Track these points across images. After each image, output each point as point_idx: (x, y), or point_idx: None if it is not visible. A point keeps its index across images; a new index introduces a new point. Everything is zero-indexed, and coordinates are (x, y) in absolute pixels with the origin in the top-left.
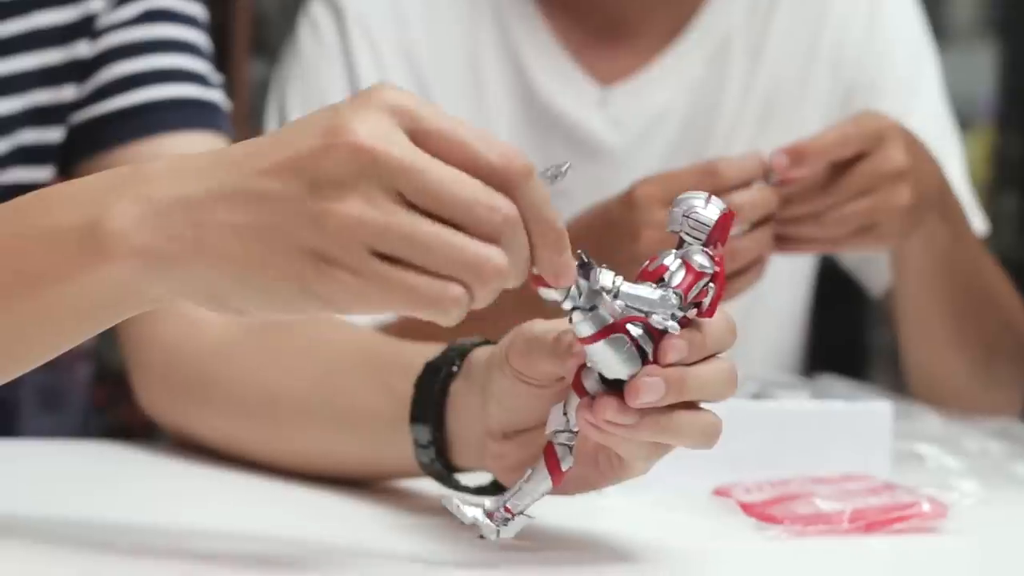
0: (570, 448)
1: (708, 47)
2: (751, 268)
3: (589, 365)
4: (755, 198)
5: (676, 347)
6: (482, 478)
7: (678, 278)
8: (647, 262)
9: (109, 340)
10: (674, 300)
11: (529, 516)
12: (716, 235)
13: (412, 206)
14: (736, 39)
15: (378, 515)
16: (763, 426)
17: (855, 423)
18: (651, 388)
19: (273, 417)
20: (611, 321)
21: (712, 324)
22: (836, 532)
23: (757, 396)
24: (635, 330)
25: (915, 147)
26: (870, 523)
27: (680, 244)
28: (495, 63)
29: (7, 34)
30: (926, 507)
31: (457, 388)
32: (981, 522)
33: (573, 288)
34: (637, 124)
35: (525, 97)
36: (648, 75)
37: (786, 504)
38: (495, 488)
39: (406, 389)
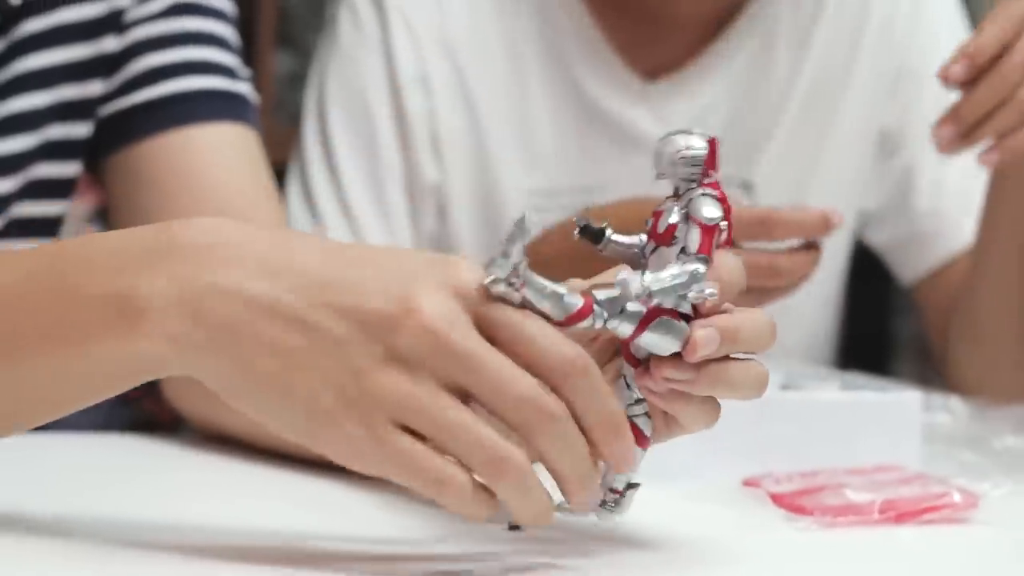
0: (647, 415)
1: (753, 41)
2: (791, 286)
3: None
4: (799, 263)
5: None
6: None
7: (694, 242)
8: (651, 221)
9: None
10: (702, 269)
11: (635, 484)
12: (708, 166)
13: (458, 390)
14: (781, 32)
15: (402, 506)
16: (792, 417)
17: (885, 414)
18: (708, 340)
19: None
20: (644, 310)
21: (723, 259)
22: (866, 523)
23: (786, 387)
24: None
25: None
26: (900, 514)
27: (675, 191)
28: (537, 57)
29: (34, 30)
30: (957, 498)
31: None
32: (1012, 513)
33: (596, 307)
34: (681, 119)
35: (568, 92)
36: (692, 70)
37: (816, 495)
38: None
39: None
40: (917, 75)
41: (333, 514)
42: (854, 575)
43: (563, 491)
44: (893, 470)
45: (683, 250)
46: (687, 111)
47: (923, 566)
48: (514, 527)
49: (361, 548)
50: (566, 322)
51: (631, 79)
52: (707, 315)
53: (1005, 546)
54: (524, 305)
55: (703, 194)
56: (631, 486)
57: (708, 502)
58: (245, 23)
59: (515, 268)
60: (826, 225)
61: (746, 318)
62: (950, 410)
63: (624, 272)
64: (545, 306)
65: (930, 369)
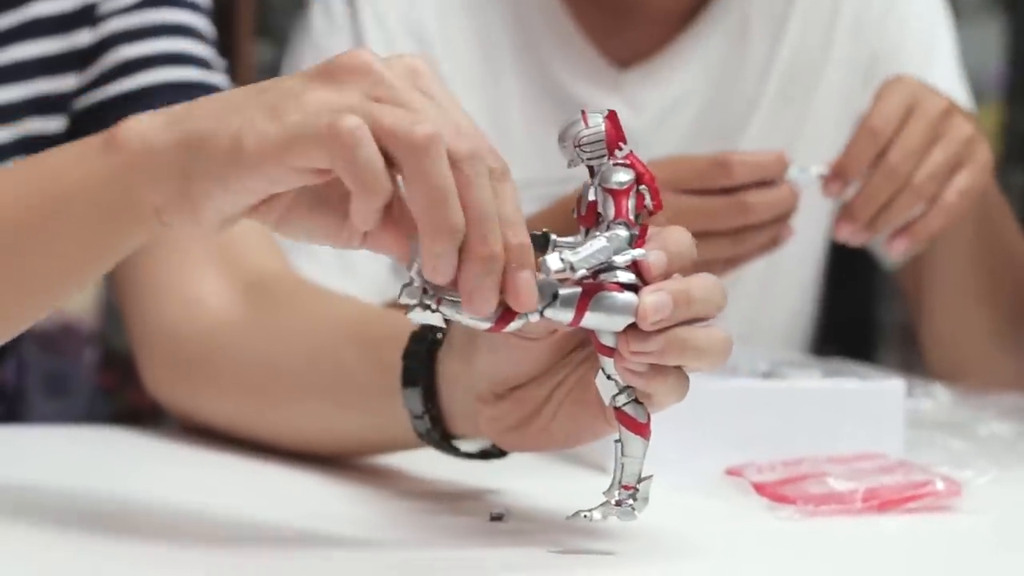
0: (637, 401)
1: (727, 27)
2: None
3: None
4: (772, 199)
5: (655, 261)
6: (483, 443)
7: (609, 209)
8: (575, 207)
9: (115, 324)
10: (623, 233)
11: (647, 476)
12: (613, 139)
13: None
14: (755, 19)
15: (385, 498)
16: (775, 405)
17: (868, 402)
18: (660, 304)
19: (272, 394)
20: (578, 291)
21: (670, 231)
22: (849, 512)
23: (768, 375)
24: (625, 276)
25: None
26: (884, 502)
27: (591, 172)
28: (509, 46)
29: (7, 25)
30: (940, 486)
31: (443, 355)
32: (995, 501)
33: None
34: (654, 107)
35: (539, 80)
36: (666, 57)
37: (799, 484)
38: (496, 451)
39: (395, 360)
40: (891, 61)
41: (312, 504)
42: (837, 564)
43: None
44: (876, 458)
45: (599, 216)
46: (661, 99)
47: (906, 555)
48: (496, 518)
49: (341, 537)
50: (497, 327)
51: (604, 68)
52: (652, 280)
53: (988, 534)
54: (448, 322)
55: (612, 164)
56: (644, 479)
57: (691, 492)
58: (225, 13)
59: (424, 289)
60: (782, 163)
61: (695, 280)
62: (934, 397)
63: (551, 256)
64: (466, 318)
65: (914, 356)
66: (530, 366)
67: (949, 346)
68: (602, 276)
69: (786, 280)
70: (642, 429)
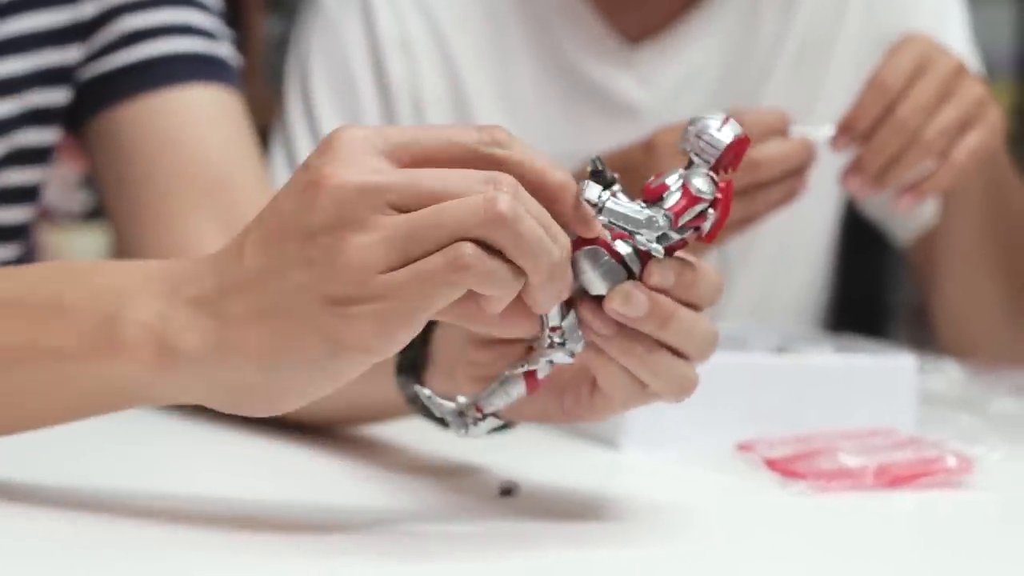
0: (551, 361)
1: (738, 2)
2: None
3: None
4: (781, 151)
5: (661, 269)
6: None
7: (672, 200)
8: (652, 177)
9: None
10: (662, 222)
11: (499, 419)
12: (727, 159)
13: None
14: None
15: (395, 472)
16: (787, 381)
17: (879, 378)
18: (631, 300)
19: None
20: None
21: (705, 272)
22: (861, 487)
23: (780, 350)
24: (623, 248)
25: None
26: (895, 478)
27: (689, 164)
28: (519, 22)
29: None
30: (951, 462)
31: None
32: (1007, 477)
33: None
34: (667, 83)
35: (551, 58)
36: (678, 32)
37: (810, 459)
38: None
39: None
40: (904, 32)
41: (320, 478)
42: (848, 539)
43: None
44: (887, 434)
45: (662, 199)
46: (672, 75)
47: (918, 530)
48: (506, 492)
49: (350, 511)
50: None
51: (615, 44)
52: (649, 286)
53: (1000, 510)
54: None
55: (706, 172)
56: (494, 416)
57: (702, 467)
58: None
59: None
60: (783, 119)
61: (689, 314)
62: (945, 373)
63: (593, 185)
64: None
65: (925, 335)
66: (526, 323)
67: (960, 321)
68: (617, 242)
69: (798, 255)
70: (532, 381)
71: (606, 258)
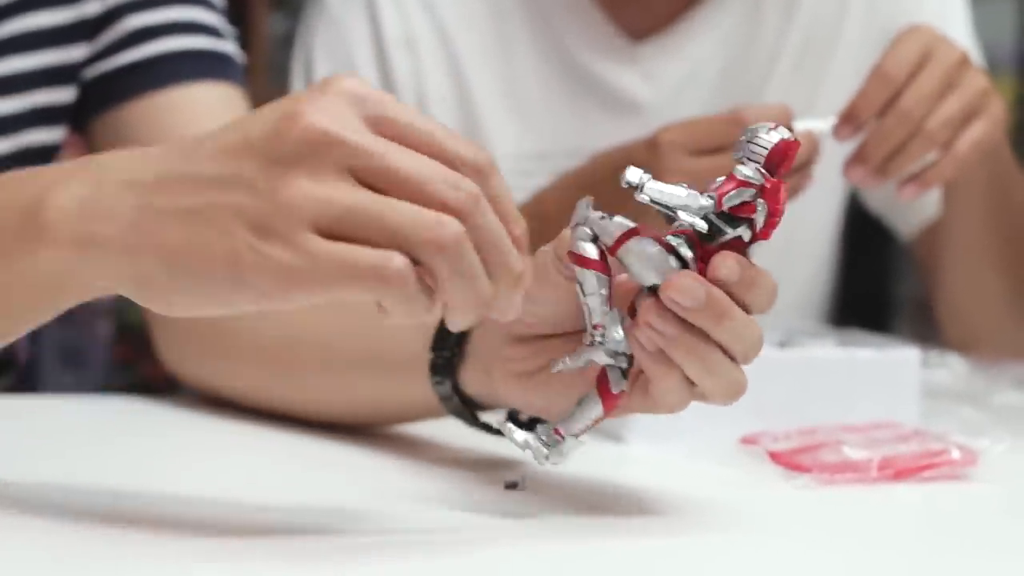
0: (623, 372)
1: None
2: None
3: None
4: None
5: (726, 262)
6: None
7: (717, 182)
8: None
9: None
10: (704, 201)
11: (580, 440)
12: (776, 160)
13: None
14: None
15: (401, 465)
16: (791, 374)
17: (883, 371)
18: (688, 289)
19: (294, 362)
20: (618, 233)
21: (765, 276)
22: (865, 480)
23: (784, 344)
24: (673, 240)
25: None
26: (899, 471)
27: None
28: (522, 19)
29: None
30: (955, 454)
31: None
32: (1011, 469)
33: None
34: (670, 79)
35: (555, 55)
36: (681, 29)
37: (814, 452)
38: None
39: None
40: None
41: (327, 471)
42: (852, 532)
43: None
44: (891, 427)
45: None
46: (676, 71)
47: (922, 523)
48: (510, 485)
49: (356, 503)
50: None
51: (618, 40)
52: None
53: (1004, 502)
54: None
55: (756, 166)
56: (575, 435)
57: (706, 460)
58: None
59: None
60: (787, 113)
61: (742, 315)
62: (949, 367)
63: (634, 168)
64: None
65: (930, 330)
66: (564, 318)
67: (964, 315)
68: (668, 237)
69: (801, 250)
70: (609, 398)
71: (655, 248)
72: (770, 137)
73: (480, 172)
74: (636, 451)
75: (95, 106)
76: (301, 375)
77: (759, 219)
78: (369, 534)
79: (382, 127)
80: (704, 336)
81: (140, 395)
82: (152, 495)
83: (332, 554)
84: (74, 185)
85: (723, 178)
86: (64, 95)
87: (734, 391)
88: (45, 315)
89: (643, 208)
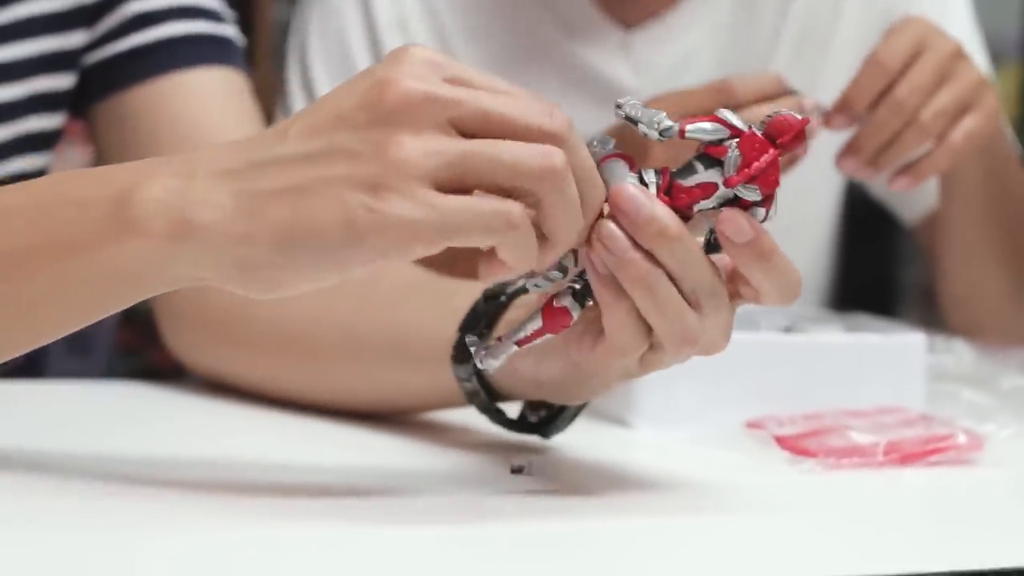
0: (574, 293)
1: None
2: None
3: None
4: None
5: (738, 221)
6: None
7: (731, 116)
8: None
9: None
10: (667, 123)
11: (511, 349)
12: (775, 129)
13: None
14: None
15: (409, 448)
16: (796, 359)
17: (889, 355)
18: (741, 224)
19: (315, 349)
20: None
21: (786, 263)
22: (871, 465)
23: (789, 330)
24: (646, 170)
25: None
26: (905, 455)
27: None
28: (514, 5)
29: None
30: (962, 439)
31: (522, 300)
32: (1017, 454)
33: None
34: (662, 69)
35: (544, 41)
36: (673, 18)
37: (820, 437)
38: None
39: (466, 309)
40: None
41: (334, 454)
42: (858, 517)
43: (546, 248)
44: (897, 411)
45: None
46: (667, 61)
47: (928, 507)
48: (517, 470)
49: (362, 485)
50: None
51: (610, 29)
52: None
53: (1010, 487)
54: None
55: (745, 120)
56: (508, 343)
57: (711, 445)
58: None
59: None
60: (780, 83)
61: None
62: (955, 352)
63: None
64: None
65: (935, 317)
66: None
67: (966, 304)
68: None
69: (800, 236)
70: (549, 312)
71: (625, 170)
72: (780, 113)
73: (558, 137)
74: (641, 436)
75: (96, 92)
76: (323, 363)
77: (728, 164)
78: (375, 516)
79: (458, 84)
80: (654, 262)
81: (145, 381)
82: (157, 478)
83: (337, 536)
84: (165, 178)
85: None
86: (64, 81)
87: (794, 290)
88: (123, 306)
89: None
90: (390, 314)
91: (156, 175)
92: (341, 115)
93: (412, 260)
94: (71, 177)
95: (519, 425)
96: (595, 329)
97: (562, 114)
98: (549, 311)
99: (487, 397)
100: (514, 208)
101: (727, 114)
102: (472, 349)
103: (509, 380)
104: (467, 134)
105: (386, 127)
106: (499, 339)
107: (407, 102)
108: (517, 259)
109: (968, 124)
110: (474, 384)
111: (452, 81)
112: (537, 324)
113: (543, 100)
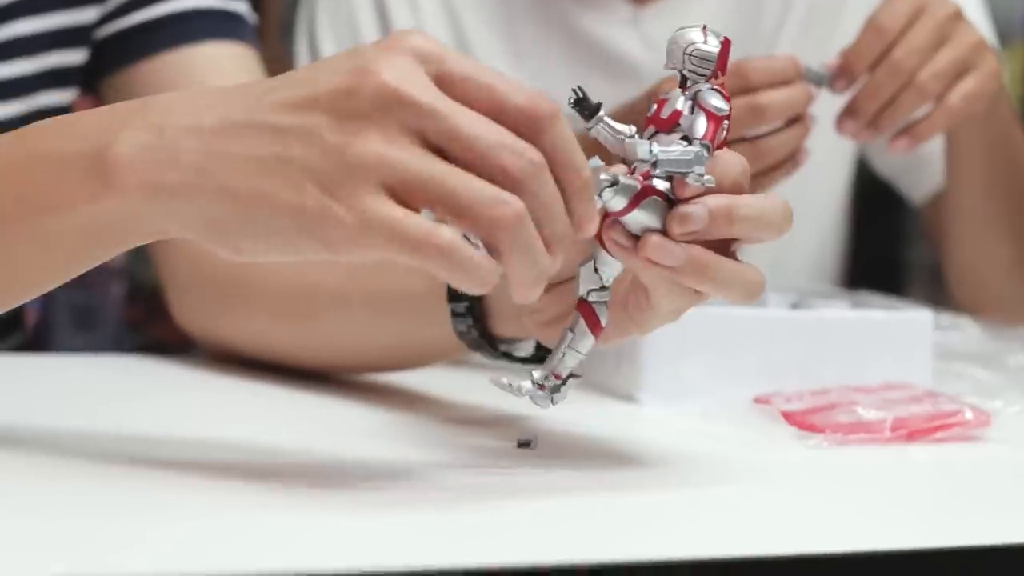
0: (605, 304)
1: None
2: (783, 164)
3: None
4: (786, 97)
5: (692, 182)
6: (525, 349)
7: (700, 127)
8: (654, 106)
9: (142, 257)
10: (706, 155)
11: (577, 375)
12: (722, 65)
13: (434, 151)
14: None
15: (415, 422)
16: (804, 335)
17: (896, 332)
18: (693, 215)
19: (310, 310)
20: (638, 186)
21: (721, 155)
22: (878, 441)
23: (796, 306)
24: (661, 184)
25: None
26: (912, 432)
27: (684, 82)
28: None
29: None
30: (969, 415)
31: None
32: None
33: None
34: None
35: (555, 15)
36: None
37: (827, 413)
38: (537, 357)
39: None
40: None
41: (340, 427)
42: (865, 493)
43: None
44: (904, 388)
45: (685, 137)
46: None
47: (935, 484)
48: (523, 444)
49: (369, 459)
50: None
51: (620, 3)
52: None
53: (1017, 463)
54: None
55: (712, 88)
56: (572, 376)
57: (719, 420)
58: None
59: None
60: (795, 66)
61: (744, 198)
62: (962, 330)
63: (641, 142)
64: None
65: (942, 296)
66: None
67: (971, 280)
68: (654, 180)
69: (810, 214)
70: (597, 329)
71: (659, 203)
72: (711, 46)
73: (541, 121)
74: (649, 411)
75: (107, 67)
76: (316, 325)
77: (720, 137)
78: (382, 490)
79: (446, 83)
80: (710, 256)
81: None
82: (162, 451)
83: (344, 509)
84: (136, 132)
85: (683, 107)
86: (76, 57)
87: (754, 291)
88: (103, 259)
89: None
90: (373, 272)
91: (129, 127)
92: (318, 96)
93: (355, 260)
94: (46, 131)
95: (510, 356)
96: (636, 298)
97: (548, 101)
98: (598, 329)
99: (482, 337)
100: (441, 234)
101: (717, 104)
102: (533, 398)
103: (512, 324)
104: (432, 145)
105: (355, 121)
106: (555, 376)
107: (382, 99)
108: (455, 282)
109: (967, 85)
110: (471, 332)
111: (442, 77)
112: (590, 343)
113: (528, 103)
